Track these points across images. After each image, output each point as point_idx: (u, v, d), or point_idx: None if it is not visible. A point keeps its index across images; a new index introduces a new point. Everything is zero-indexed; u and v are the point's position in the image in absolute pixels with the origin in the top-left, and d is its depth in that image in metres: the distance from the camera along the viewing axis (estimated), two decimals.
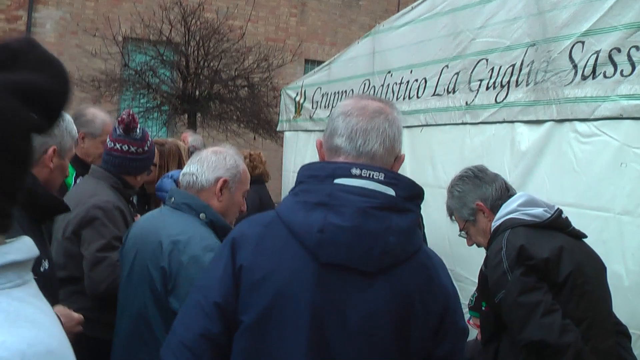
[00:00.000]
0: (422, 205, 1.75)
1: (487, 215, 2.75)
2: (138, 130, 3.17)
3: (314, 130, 6.24)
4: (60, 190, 3.11)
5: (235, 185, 2.56)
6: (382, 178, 1.60)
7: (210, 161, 2.54)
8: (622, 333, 2.62)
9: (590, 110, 3.16)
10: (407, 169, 4.36)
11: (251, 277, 1.59)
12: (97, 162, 3.35)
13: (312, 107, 6.39)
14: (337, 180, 1.60)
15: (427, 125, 4.47)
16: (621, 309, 2.68)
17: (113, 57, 11.37)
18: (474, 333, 3.19)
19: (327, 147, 1.73)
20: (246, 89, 11.66)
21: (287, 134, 7.08)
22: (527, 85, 3.56)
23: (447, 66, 4.26)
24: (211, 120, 11.61)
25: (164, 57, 11.37)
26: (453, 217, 2.94)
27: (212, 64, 11.30)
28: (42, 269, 2.09)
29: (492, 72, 3.83)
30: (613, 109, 3.03)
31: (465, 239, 2.95)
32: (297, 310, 1.55)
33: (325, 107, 6.10)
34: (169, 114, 11.64)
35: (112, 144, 3.15)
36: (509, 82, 3.70)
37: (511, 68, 3.68)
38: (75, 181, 3.53)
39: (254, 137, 11.86)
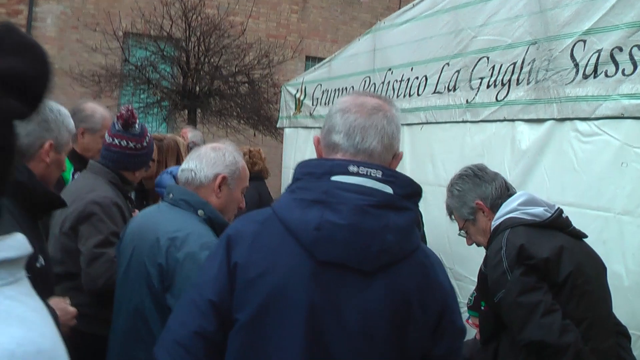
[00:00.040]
0: (422, 204, 1.73)
1: (487, 215, 2.74)
2: (137, 125, 3.16)
3: (314, 127, 6.23)
4: (57, 185, 3.09)
5: (234, 182, 2.55)
6: (380, 176, 1.59)
7: (209, 157, 2.52)
8: (621, 334, 2.61)
9: (591, 110, 3.14)
10: (407, 167, 4.35)
11: (246, 275, 1.57)
12: (96, 157, 3.34)
13: (312, 104, 6.38)
14: (334, 178, 1.58)
15: (427, 123, 4.46)
16: (621, 309, 2.67)
17: (113, 52, 11.35)
18: (472, 332, 3.18)
19: (325, 144, 1.71)
20: (246, 85, 11.64)
21: (287, 130, 7.07)
22: (528, 83, 3.55)
23: (448, 64, 4.25)
24: (211, 116, 11.59)
25: (165, 53, 11.36)
26: (452, 217, 2.93)
27: (212, 60, 11.28)
28: (38, 265, 2.07)
29: (493, 70, 3.82)
30: (614, 108, 3.02)
31: (465, 238, 2.94)
32: (293, 308, 1.53)
33: (325, 104, 6.09)
34: (169, 109, 11.62)
35: (111, 140, 3.14)
36: (509, 80, 3.68)
37: (512, 66, 3.66)
38: (73, 177, 3.51)
39: (254, 134, 11.84)
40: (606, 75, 3.06)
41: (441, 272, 1.69)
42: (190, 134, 6.25)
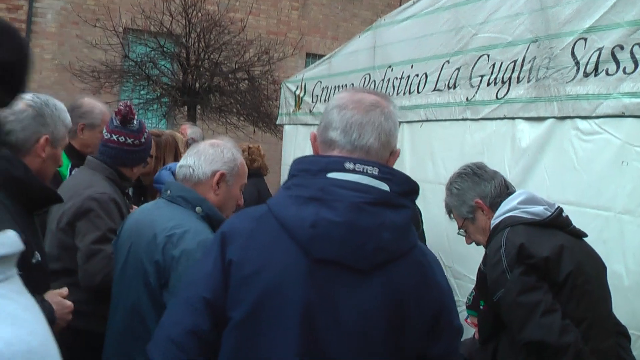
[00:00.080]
0: (421, 202, 1.72)
1: (486, 213, 2.73)
2: (135, 121, 3.15)
3: (314, 124, 6.21)
4: (54, 181, 3.08)
5: (232, 179, 2.53)
6: (377, 173, 1.57)
7: (207, 154, 2.51)
8: (621, 334, 2.60)
9: (592, 108, 3.13)
10: (407, 165, 4.34)
11: (241, 272, 1.55)
12: (96, 153, 3.32)
13: (312, 101, 6.36)
14: (330, 175, 1.57)
15: (427, 120, 4.45)
16: (621, 309, 2.65)
17: (113, 48, 11.32)
18: (470, 332, 3.17)
19: (321, 140, 1.69)
20: (246, 82, 11.61)
21: (286, 127, 7.06)
22: (528, 81, 3.53)
23: (448, 61, 4.23)
24: (211, 112, 11.57)
25: (165, 49, 11.32)
26: (451, 215, 2.91)
27: (212, 57, 11.25)
28: (34, 261, 2.06)
29: (494, 68, 3.80)
30: (615, 106, 3.01)
31: (464, 237, 2.92)
32: (288, 306, 1.52)
33: (325, 101, 6.07)
34: (168, 106, 11.60)
35: (109, 135, 3.12)
36: (510, 78, 3.67)
37: (513, 64, 3.65)
38: (70, 172, 3.50)
39: (254, 130, 11.82)
40: (607, 74, 3.05)
41: (438, 271, 1.68)
42: (189, 130, 6.23)
